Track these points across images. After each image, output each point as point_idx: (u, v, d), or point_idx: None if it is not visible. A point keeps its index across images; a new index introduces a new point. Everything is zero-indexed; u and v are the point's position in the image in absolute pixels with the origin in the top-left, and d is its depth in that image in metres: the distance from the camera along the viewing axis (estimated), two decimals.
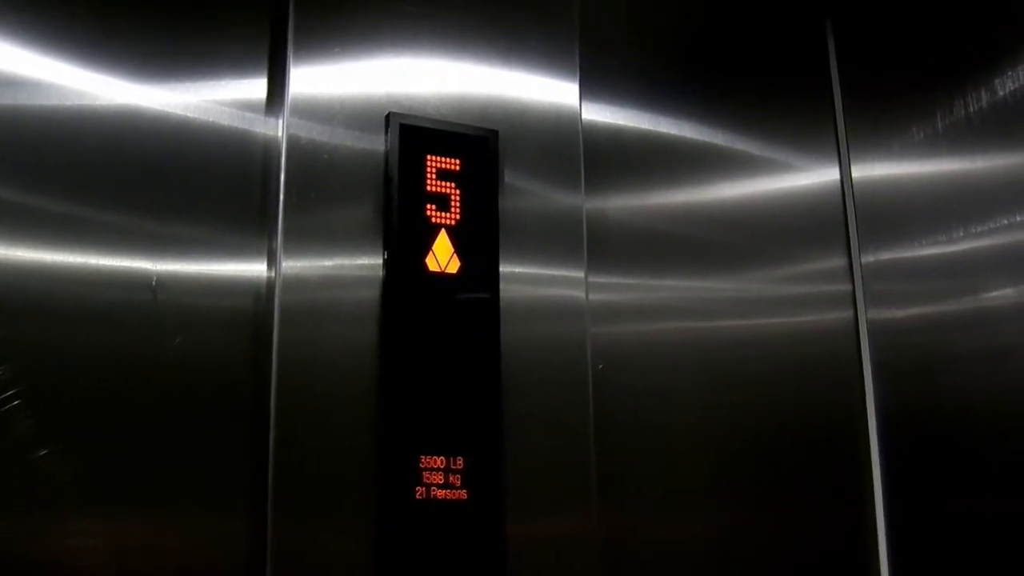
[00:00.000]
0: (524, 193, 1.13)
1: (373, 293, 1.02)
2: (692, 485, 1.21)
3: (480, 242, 1.07)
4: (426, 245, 1.04)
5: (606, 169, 1.23)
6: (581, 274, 1.13)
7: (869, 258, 1.37)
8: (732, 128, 1.34)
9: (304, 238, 1.01)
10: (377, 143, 1.06)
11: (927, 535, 1.27)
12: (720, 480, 1.23)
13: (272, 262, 1.01)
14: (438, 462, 1.00)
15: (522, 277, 1.10)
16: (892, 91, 1.38)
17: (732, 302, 1.29)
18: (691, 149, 1.31)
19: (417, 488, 0.98)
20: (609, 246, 1.21)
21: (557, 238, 1.13)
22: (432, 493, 0.99)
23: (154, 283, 0.97)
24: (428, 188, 1.06)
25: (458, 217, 1.06)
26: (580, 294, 1.13)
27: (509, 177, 1.12)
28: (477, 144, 1.09)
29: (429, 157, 1.06)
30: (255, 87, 1.06)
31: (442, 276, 1.04)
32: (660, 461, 1.19)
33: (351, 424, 0.98)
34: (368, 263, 1.03)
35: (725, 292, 1.29)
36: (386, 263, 1.03)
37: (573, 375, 1.11)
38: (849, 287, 1.37)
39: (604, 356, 1.16)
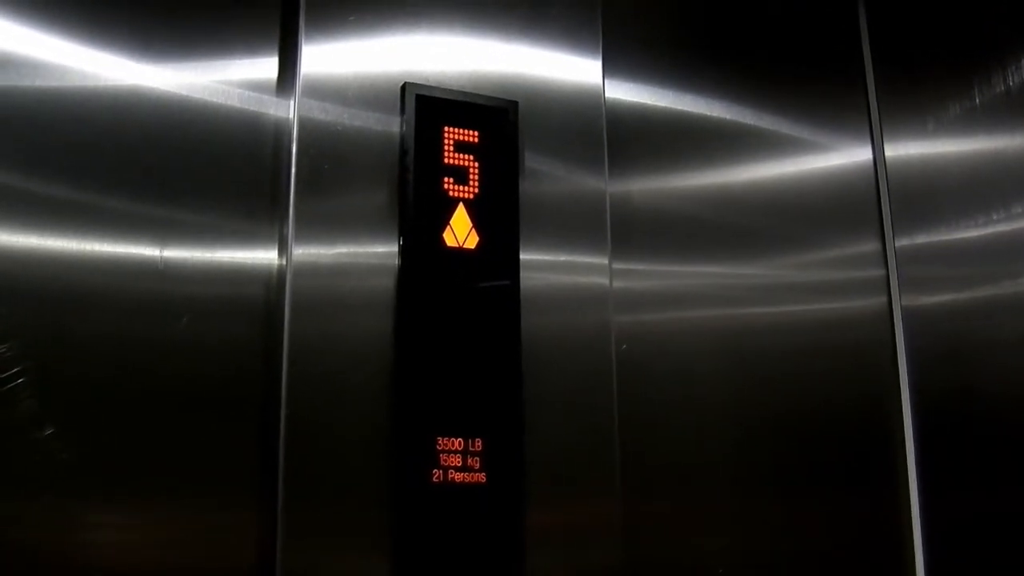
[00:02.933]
0: (545, 176, 1.09)
1: (388, 281, 0.99)
2: (721, 476, 1.17)
3: (499, 217, 1.04)
4: (443, 219, 1.01)
5: (631, 150, 1.19)
6: (605, 260, 1.10)
7: (904, 242, 1.32)
8: (761, 107, 1.30)
9: (316, 224, 0.97)
10: (393, 124, 1.02)
11: (963, 524, 1.24)
12: (751, 472, 1.19)
13: (283, 249, 0.98)
14: (456, 444, 0.97)
15: (543, 264, 1.06)
16: (926, 65, 1.34)
17: (762, 289, 1.25)
18: (718, 129, 1.27)
19: (434, 471, 0.95)
20: (634, 231, 1.17)
21: (579, 223, 1.10)
22: (450, 476, 0.96)
23: (161, 269, 0.94)
24: (445, 160, 1.02)
25: (477, 191, 1.03)
26: (604, 281, 1.09)
27: (529, 159, 1.08)
28: (496, 115, 1.05)
29: (446, 129, 1.03)
30: (266, 66, 1.03)
31: (460, 251, 1.01)
32: (687, 453, 1.15)
33: (365, 410, 0.95)
34: (383, 250, 0.99)
35: (754, 278, 1.25)
36: (401, 239, 1.00)
37: (596, 364, 1.07)
38: (883, 272, 1.32)
39: (629, 345, 1.12)
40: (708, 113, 1.27)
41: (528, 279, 1.05)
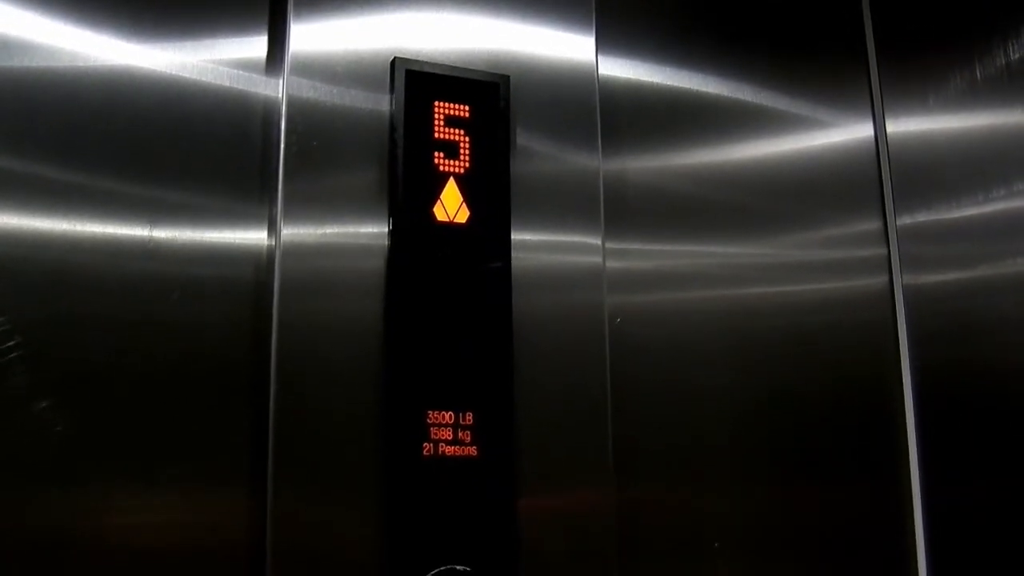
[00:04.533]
0: (537, 153, 1.08)
1: (378, 258, 0.98)
2: (716, 460, 1.16)
3: (491, 191, 1.03)
4: (434, 194, 1.01)
5: (625, 127, 1.18)
6: (598, 240, 1.09)
7: (905, 220, 1.30)
8: (759, 83, 1.28)
9: (306, 203, 0.97)
10: (382, 102, 1.02)
11: (965, 507, 1.22)
12: (747, 452, 1.18)
13: (272, 229, 0.98)
14: (446, 417, 0.97)
15: (535, 244, 1.06)
16: (928, 39, 1.32)
17: (760, 268, 1.24)
18: (716, 106, 1.25)
19: (424, 444, 0.95)
20: (628, 210, 1.16)
21: (572, 201, 1.09)
22: (440, 450, 0.96)
23: (151, 248, 0.94)
24: (436, 135, 1.02)
25: (467, 165, 1.02)
26: (597, 260, 1.08)
27: (521, 137, 1.07)
28: (487, 90, 1.05)
29: (437, 103, 1.02)
30: (255, 45, 1.02)
31: (450, 226, 1.01)
32: (682, 435, 1.15)
33: (355, 387, 0.95)
34: (373, 231, 0.99)
35: (752, 258, 1.24)
36: (391, 213, 0.99)
37: (590, 344, 1.06)
38: (884, 251, 1.31)
39: (623, 327, 1.12)
40: (705, 89, 1.25)
41: (520, 259, 1.04)
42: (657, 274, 1.18)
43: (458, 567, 0.94)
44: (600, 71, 1.14)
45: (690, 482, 1.14)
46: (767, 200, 1.26)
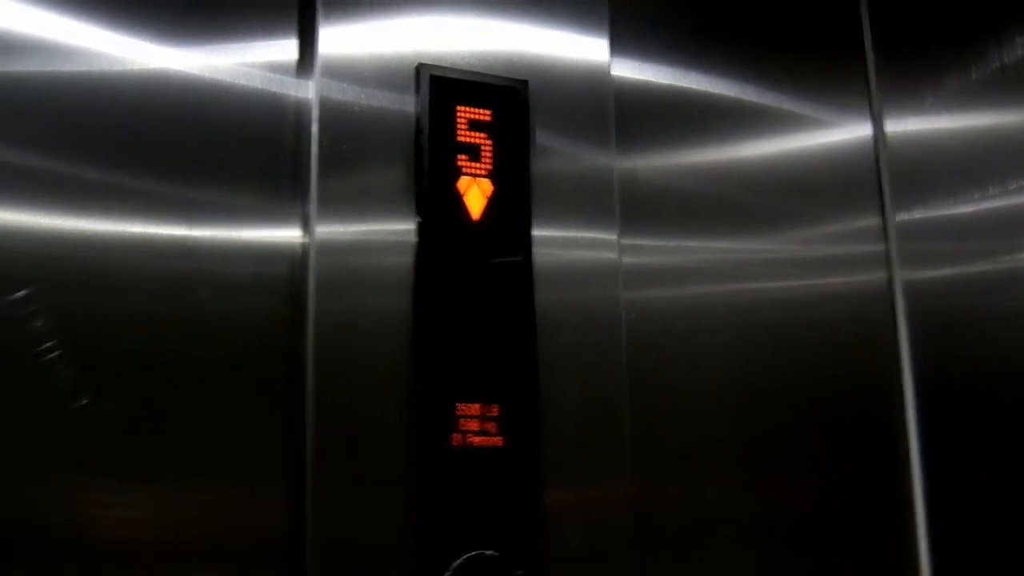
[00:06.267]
0: (555, 153, 1.12)
1: (407, 256, 1.01)
2: (725, 451, 1.19)
3: (512, 193, 1.07)
4: (458, 195, 1.04)
5: (637, 128, 1.21)
6: (614, 236, 1.12)
7: (903, 217, 1.34)
8: (764, 84, 1.32)
9: (338, 202, 1.00)
10: (408, 104, 1.05)
11: (965, 498, 1.26)
12: (754, 445, 1.21)
13: (306, 227, 1.01)
14: (474, 409, 1.00)
15: (554, 240, 1.09)
16: (925, 41, 1.35)
17: (764, 263, 1.27)
18: (722, 106, 1.29)
19: (453, 435, 0.99)
20: (641, 207, 1.20)
21: (588, 200, 1.12)
22: (468, 440, 0.99)
23: (190, 247, 0.97)
24: (459, 139, 1.05)
25: (489, 167, 1.06)
26: (613, 256, 1.12)
27: (540, 137, 1.11)
28: (508, 94, 1.09)
29: (459, 108, 1.06)
30: (285, 48, 1.05)
31: (474, 227, 1.04)
32: (693, 425, 1.18)
33: (388, 381, 0.98)
34: (402, 228, 1.02)
35: (757, 253, 1.27)
36: (418, 216, 1.03)
37: (607, 337, 1.10)
38: (883, 247, 1.34)
39: (637, 320, 1.15)
40: (712, 90, 1.29)
41: (539, 255, 1.07)
42: (667, 269, 1.21)
43: (487, 552, 0.98)
44: (614, 73, 1.18)
45: (697, 472, 1.17)
46: (771, 197, 1.29)
